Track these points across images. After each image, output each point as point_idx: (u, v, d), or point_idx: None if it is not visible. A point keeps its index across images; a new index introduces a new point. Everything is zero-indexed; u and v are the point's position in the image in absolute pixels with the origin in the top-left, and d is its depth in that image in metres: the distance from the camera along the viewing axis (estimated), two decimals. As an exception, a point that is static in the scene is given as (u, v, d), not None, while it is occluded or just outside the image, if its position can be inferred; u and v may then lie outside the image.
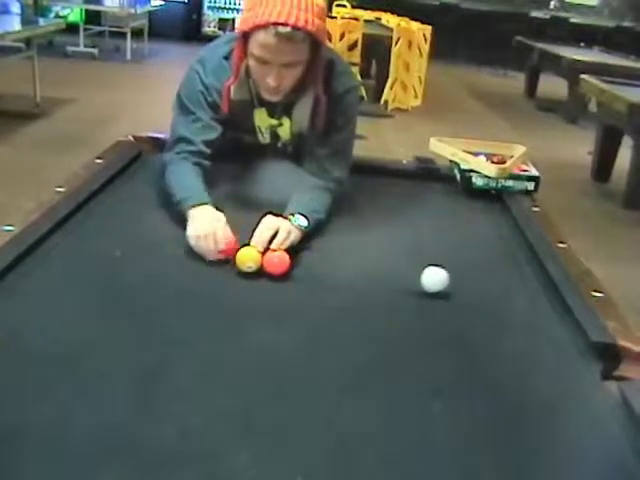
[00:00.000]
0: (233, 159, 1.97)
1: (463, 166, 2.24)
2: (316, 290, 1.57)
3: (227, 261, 1.59)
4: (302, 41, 1.69)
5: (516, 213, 2.05)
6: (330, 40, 6.83)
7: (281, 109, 1.94)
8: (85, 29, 9.75)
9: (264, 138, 2.02)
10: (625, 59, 8.62)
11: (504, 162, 2.22)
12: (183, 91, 1.91)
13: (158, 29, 10.92)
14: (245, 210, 1.83)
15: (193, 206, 1.70)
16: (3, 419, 1.05)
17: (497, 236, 1.96)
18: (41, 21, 7.06)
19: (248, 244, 1.60)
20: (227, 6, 12.01)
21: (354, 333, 1.41)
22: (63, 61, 8.96)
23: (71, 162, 2.35)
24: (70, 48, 9.36)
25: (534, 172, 2.24)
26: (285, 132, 2.00)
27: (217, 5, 12.04)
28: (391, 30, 8.24)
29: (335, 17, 7.75)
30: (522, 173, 2.23)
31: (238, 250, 1.58)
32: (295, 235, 1.68)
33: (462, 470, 1.06)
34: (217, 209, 1.70)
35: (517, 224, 1.98)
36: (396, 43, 7.98)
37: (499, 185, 2.19)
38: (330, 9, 8.47)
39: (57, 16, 9.86)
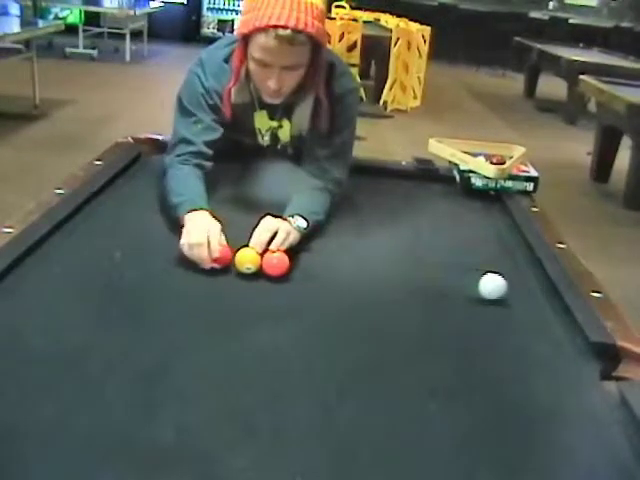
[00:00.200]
0: (233, 161, 1.97)
1: (462, 167, 2.24)
2: (315, 291, 1.57)
3: (222, 270, 1.58)
4: (302, 44, 1.69)
5: (515, 214, 2.05)
6: (329, 41, 6.83)
7: (281, 111, 1.94)
8: (84, 30, 9.77)
9: (264, 140, 2.02)
10: (624, 59, 8.62)
11: (503, 163, 2.22)
12: (184, 94, 1.91)
13: (157, 30, 10.93)
14: (244, 211, 1.83)
15: (188, 211, 1.68)
16: (3, 419, 1.05)
17: (496, 236, 1.96)
18: (40, 22, 7.06)
19: (247, 245, 1.60)
20: (226, 7, 12.01)
21: (353, 334, 1.41)
22: (62, 62, 8.97)
23: (70, 163, 2.34)
24: (69, 49, 9.37)
25: (533, 173, 2.25)
26: (285, 134, 2.00)
27: (216, 6, 12.04)
28: (390, 31, 8.25)
29: (334, 18, 7.77)
30: (521, 174, 2.23)
31: (232, 259, 1.57)
32: (294, 236, 1.68)
33: (461, 470, 1.06)
34: (214, 215, 1.67)
35: (516, 225, 1.98)
36: (395, 44, 7.99)
37: (498, 186, 2.19)
38: (329, 10, 8.47)
39: (56, 17, 9.87)
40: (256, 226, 1.64)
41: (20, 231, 1.57)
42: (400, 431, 1.13)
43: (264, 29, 1.66)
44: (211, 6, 12.06)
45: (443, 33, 9.77)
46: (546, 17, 13.27)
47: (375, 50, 8.16)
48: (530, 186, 2.21)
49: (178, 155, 1.86)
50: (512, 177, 2.20)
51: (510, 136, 6.99)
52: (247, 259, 1.57)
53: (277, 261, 1.58)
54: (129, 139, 2.29)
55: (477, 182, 2.20)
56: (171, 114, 1.95)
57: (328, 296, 1.54)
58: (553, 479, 1.10)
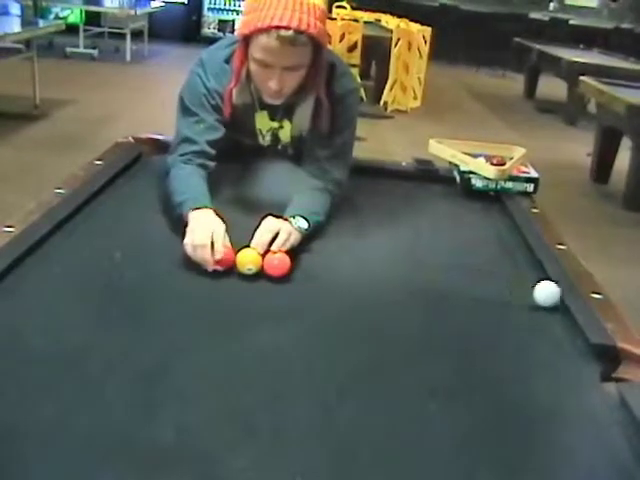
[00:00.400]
0: (233, 161, 1.96)
1: (462, 168, 2.24)
2: (315, 292, 1.57)
3: (224, 272, 1.57)
4: (304, 44, 1.69)
5: (515, 214, 2.05)
6: (330, 42, 6.83)
7: (282, 112, 1.94)
8: (85, 30, 9.77)
9: (265, 141, 2.03)
10: (624, 60, 8.63)
11: (503, 164, 2.22)
12: (185, 94, 1.91)
13: (158, 30, 10.93)
14: (245, 212, 1.83)
15: (193, 209, 1.67)
16: (3, 419, 1.05)
17: (496, 237, 1.96)
18: (41, 22, 7.06)
19: (248, 246, 1.60)
20: (227, 7, 12.01)
21: (354, 334, 1.41)
22: (63, 62, 8.97)
23: (71, 163, 2.34)
24: (70, 49, 9.37)
25: (534, 174, 2.25)
26: (285, 135, 2.00)
27: (217, 6, 12.04)
28: (391, 31, 8.25)
29: (335, 18, 7.77)
30: (521, 175, 2.23)
31: (234, 261, 1.57)
32: (295, 237, 1.68)
33: (461, 470, 1.06)
34: (218, 213, 1.67)
35: (516, 225, 1.98)
36: (396, 44, 7.99)
37: (498, 187, 2.19)
38: (330, 10, 8.47)
39: (57, 17, 9.88)
40: (257, 227, 1.64)
41: (20, 231, 1.57)
42: (400, 431, 1.14)
43: (266, 30, 1.66)
44: (212, 6, 12.05)
45: (443, 34, 9.77)
46: (546, 18, 13.27)
47: (376, 50, 8.16)
48: (530, 187, 2.21)
49: (181, 155, 1.85)
50: (512, 178, 2.20)
51: (510, 137, 7.00)
52: (248, 260, 1.57)
53: (278, 262, 1.58)
54: (130, 139, 2.29)
55: (477, 183, 2.20)
56: (172, 114, 1.95)
57: (328, 297, 1.54)
58: (553, 479, 1.10)
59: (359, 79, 6.28)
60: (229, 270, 1.57)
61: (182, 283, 1.54)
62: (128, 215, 1.85)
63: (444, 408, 1.20)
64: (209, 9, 12.07)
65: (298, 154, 2.01)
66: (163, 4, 11.16)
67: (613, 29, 13.06)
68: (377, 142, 6.16)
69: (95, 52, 9.55)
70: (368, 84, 8.20)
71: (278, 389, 1.20)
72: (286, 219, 1.70)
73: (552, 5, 13.86)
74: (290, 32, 1.64)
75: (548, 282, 1.56)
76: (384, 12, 9.46)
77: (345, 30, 7.63)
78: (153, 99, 7.02)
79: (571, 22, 13.15)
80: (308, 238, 1.74)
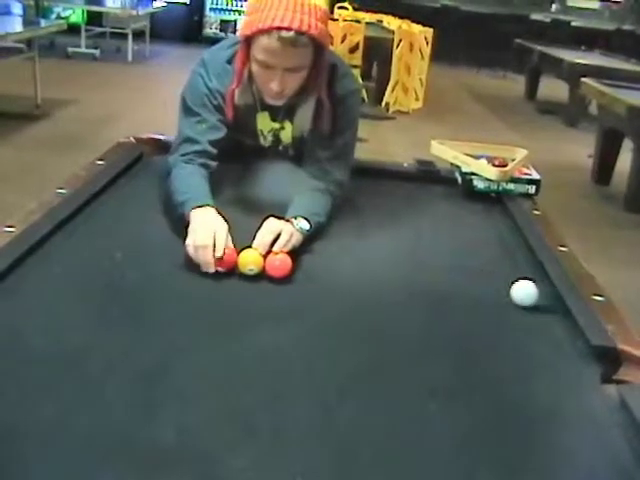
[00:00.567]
0: (234, 162, 1.96)
1: (464, 169, 2.24)
2: (316, 292, 1.57)
3: (226, 273, 1.57)
4: (305, 46, 1.69)
5: (517, 216, 2.05)
6: (332, 42, 6.82)
7: (283, 113, 1.94)
8: (86, 30, 9.77)
9: (266, 141, 2.02)
10: (626, 62, 8.63)
11: (505, 165, 2.22)
12: (187, 94, 1.91)
13: (159, 30, 10.94)
14: (247, 213, 1.83)
15: (194, 208, 1.67)
16: (3, 419, 1.05)
17: (497, 239, 1.96)
18: (42, 22, 7.07)
19: (250, 247, 1.60)
20: (229, 8, 12.02)
21: (354, 335, 1.41)
22: (64, 62, 8.97)
23: (72, 163, 2.35)
24: (71, 49, 9.38)
25: (535, 175, 2.25)
26: (287, 135, 2.00)
27: (219, 7, 12.04)
28: (392, 32, 8.25)
29: (337, 19, 7.76)
30: (523, 176, 2.23)
31: (236, 262, 1.57)
32: (297, 238, 1.68)
33: (461, 471, 1.06)
34: (220, 212, 1.67)
35: (518, 227, 1.98)
36: (397, 45, 7.99)
37: (500, 188, 2.19)
38: (332, 11, 8.47)
39: (58, 17, 9.90)
40: (259, 227, 1.64)
41: (21, 231, 1.57)
42: (400, 431, 1.13)
43: (267, 31, 1.66)
44: (214, 6, 12.06)
45: (445, 35, 9.77)
46: (548, 19, 13.27)
47: (377, 51, 8.15)
48: (532, 189, 2.21)
49: (182, 154, 1.85)
50: (514, 180, 2.20)
51: (511, 138, 7.00)
52: (250, 260, 1.57)
53: (280, 263, 1.58)
54: (131, 139, 2.29)
55: (479, 184, 2.20)
56: (173, 114, 1.96)
57: (329, 297, 1.54)
58: (553, 481, 1.10)
59: (360, 80, 6.28)
60: (230, 271, 1.57)
61: (183, 283, 1.54)
62: (129, 215, 1.85)
63: (444, 409, 1.20)
64: (211, 9, 12.08)
65: (299, 155, 2.01)
66: (165, 4, 11.17)
67: (614, 31, 13.05)
68: (378, 143, 6.16)
69: (97, 52, 9.55)
70: (370, 85, 8.20)
71: (278, 389, 1.20)
72: (288, 220, 1.70)
73: (554, 6, 13.86)
74: (291, 33, 1.64)
75: (525, 281, 1.56)
76: (386, 13, 9.45)
77: (347, 31, 7.63)
78: (154, 99, 7.02)
79: (573, 23, 13.14)
80: (309, 239, 1.74)
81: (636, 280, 3.97)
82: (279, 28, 1.64)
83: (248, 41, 1.74)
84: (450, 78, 11.24)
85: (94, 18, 10.11)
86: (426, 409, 1.20)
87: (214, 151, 1.87)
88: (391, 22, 8.91)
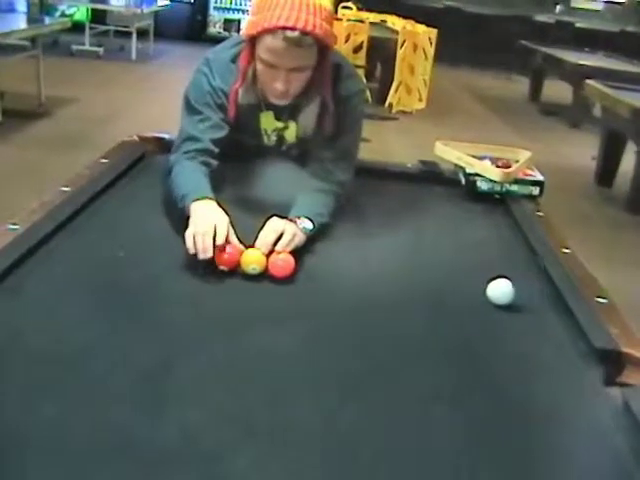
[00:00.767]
0: (237, 161, 1.96)
1: (468, 170, 2.24)
2: (319, 293, 1.56)
3: (228, 272, 1.56)
4: (310, 46, 1.69)
5: (520, 218, 2.05)
6: (335, 42, 6.82)
7: (288, 112, 1.94)
8: (90, 28, 9.76)
9: (270, 141, 2.02)
10: (629, 64, 8.61)
11: (509, 166, 2.22)
12: (191, 93, 1.91)
13: (163, 29, 10.94)
14: (249, 212, 1.82)
15: (195, 200, 1.67)
16: (5, 419, 1.05)
17: (500, 240, 1.96)
18: (47, 20, 7.08)
19: (253, 246, 1.60)
20: (233, 7, 12.01)
21: (356, 336, 1.41)
22: (68, 60, 8.97)
23: (75, 161, 2.35)
24: (75, 47, 9.38)
25: (539, 177, 2.24)
26: (291, 135, 2.00)
27: (223, 6, 12.04)
28: (396, 33, 8.25)
29: (341, 19, 7.76)
30: (527, 177, 2.23)
31: (238, 262, 1.57)
32: (300, 238, 1.67)
33: (463, 475, 1.06)
34: (221, 205, 1.67)
35: (521, 229, 1.98)
36: (401, 46, 7.98)
37: (504, 189, 2.19)
38: (336, 11, 8.46)
39: (63, 15, 9.89)
40: (262, 227, 1.64)
41: (24, 229, 1.57)
42: (402, 434, 1.13)
43: (272, 30, 1.65)
44: (218, 5, 12.05)
45: (448, 35, 9.75)
46: (552, 20, 13.26)
47: (381, 52, 8.16)
48: (536, 190, 2.21)
49: (184, 152, 1.85)
50: (518, 181, 2.20)
51: (514, 139, 6.99)
52: (253, 259, 1.57)
53: (283, 262, 1.58)
54: (135, 138, 2.29)
55: (483, 185, 2.19)
56: (176, 113, 1.95)
57: (331, 298, 1.54)
58: (556, 485, 1.10)
59: (364, 80, 6.28)
60: (233, 270, 1.57)
61: (186, 282, 1.54)
62: (132, 214, 1.85)
63: (446, 411, 1.20)
64: (215, 8, 12.07)
65: (302, 155, 2.01)
66: (169, 3, 11.17)
67: (618, 32, 13.04)
68: (382, 143, 6.15)
69: (100, 50, 9.55)
70: (373, 85, 8.20)
71: (280, 389, 1.20)
72: (291, 220, 1.70)
73: (558, 8, 13.85)
74: (296, 33, 1.64)
75: (501, 280, 1.56)
76: (389, 13, 9.45)
77: (351, 31, 7.63)
78: (158, 98, 7.03)
79: (576, 25, 13.14)
80: (312, 239, 1.74)
81: (639, 282, 3.96)
82: (284, 28, 1.64)
83: (253, 41, 1.74)
84: (453, 79, 11.23)
85: (98, 16, 10.11)
86: (427, 411, 1.20)
87: (216, 150, 1.87)
88: (395, 22, 8.90)
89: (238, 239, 1.61)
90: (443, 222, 2.08)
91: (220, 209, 1.66)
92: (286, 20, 1.64)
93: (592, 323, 1.44)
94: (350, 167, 1.96)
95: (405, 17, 8.85)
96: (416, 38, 8.14)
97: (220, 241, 1.55)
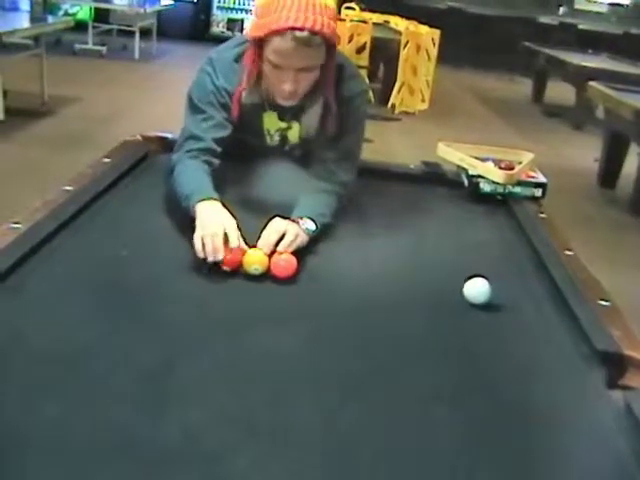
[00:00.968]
0: (239, 161, 1.96)
1: (471, 171, 2.24)
2: (320, 293, 1.56)
3: (231, 272, 1.56)
4: (319, 45, 1.69)
5: (522, 219, 2.05)
6: (339, 43, 6.82)
7: (291, 113, 1.94)
8: (94, 27, 9.78)
9: (272, 141, 2.02)
10: (633, 66, 8.60)
11: (512, 168, 2.22)
12: (194, 92, 1.91)
13: (166, 29, 10.96)
14: (251, 212, 1.82)
15: (200, 201, 1.66)
16: (6, 418, 1.05)
17: (503, 242, 1.96)
18: (50, 18, 7.07)
19: (255, 246, 1.59)
20: (236, 7, 12.02)
21: (357, 336, 1.41)
22: (71, 59, 8.98)
23: (77, 160, 2.35)
24: (78, 46, 9.39)
25: (542, 178, 2.24)
26: (294, 136, 2.00)
27: (226, 5, 12.05)
28: (399, 33, 8.24)
29: (344, 20, 7.75)
30: (529, 179, 2.22)
31: (241, 262, 1.57)
32: (302, 239, 1.67)
33: (462, 475, 1.06)
34: (225, 206, 1.67)
35: (523, 230, 1.98)
36: (404, 47, 7.98)
37: (506, 191, 2.19)
38: (339, 12, 8.46)
39: (66, 14, 9.91)
40: (264, 227, 1.64)
41: (26, 229, 1.57)
42: (402, 434, 1.13)
43: (281, 32, 1.65)
44: (221, 5, 12.07)
45: (451, 36, 9.75)
46: (555, 22, 13.25)
47: (384, 52, 8.15)
48: (539, 192, 2.21)
49: (187, 151, 1.85)
50: (520, 183, 2.20)
51: (517, 141, 6.98)
52: (255, 260, 1.57)
53: (285, 263, 1.58)
54: (138, 137, 2.29)
55: (485, 187, 2.19)
56: (179, 112, 1.95)
57: (333, 298, 1.54)
58: (557, 487, 1.09)
59: (367, 81, 6.28)
60: (235, 270, 1.56)
61: (187, 282, 1.54)
62: (134, 214, 1.85)
63: (446, 413, 1.20)
64: (218, 8, 12.09)
65: (305, 155, 2.01)
66: (172, 2, 11.17)
67: (622, 34, 13.03)
68: (384, 144, 6.15)
69: (103, 49, 9.56)
70: (376, 86, 8.20)
71: (281, 390, 1.20)
72: (293, 220, 1.69)
73: (561, 9, 13.84)
74: (305, 33, 1.64)
75: (478, 279, 1.56)
76: (392, 14, 9.44)
77: (354, 31, 7.64)
78: (161, 97, 7.03)
79: (580, 27, 13.13)
80: (314, 239, 1.73)
81: (641, 284, 3.96)
82: (293, 28, 1.64)
83: (259, 43, 1.73)
84: (456, 80, 11.22)
85: (101, 15, 10.13)
86: (428, 411, 1.20)
87: (218, 149, 1.87)
88: (398, 23, 8.89)
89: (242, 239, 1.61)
90: (445, 223, 2.08)
91: (226, 210, 1.65)
92: (295, 21, 1.64)
93: (594, 325, 1.44)
94: (353, 168, 1.96)
95: (408, 18, 8.84)
96: (419, 39, 8.14)
97: (234, 244, 1.55)
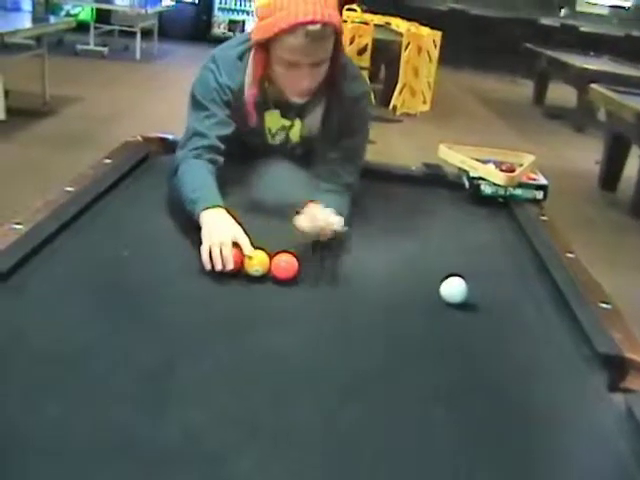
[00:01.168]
0: (240, 160, 1.96)
1: (472, 173, 2.24)
2: (321, 295, 1.56)
3: (232, 273, 1.56)
4: (330, 36, 1.70)
5: (524, 222, 2.05)
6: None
7: (295, 110, 1.93)
8: (95, 28, 9.78)
9: (274, 140, 2.02)
10: (634, 68, 8.59)
11: (513, 170, 2.22)
12: (197, 89, 1.90)
13: (168, 29, 10.96)
14: (252, 213, 1.82)
15: (205, 209, 1.66)
16: (6, 418, 1.05)
17: (504, 244, 1.96)
18: (52, 19, 7.09)
19: (257, 247, 1.59)
20: (237, 8, 12.03)
21: (358, 338, 1.41)
22: (73, 59, 8.98)
23: (79, 160, 2.35)
24: (80, 46, 9.39)
25: (543, 181, 2.24)
26: (295, 134, 1.99)
27: (227, 7, 12.06)
28: (401, 35, 8.24)
29: (345, 21, 7.75)
30: (531, 181, 2.22)
31: (242, 263, 1.56)
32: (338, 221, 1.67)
33: (463, 476, 1.06)
34: (229, 212, 1.66)
35: (525, 233, 1.98)
36: (406, 48, 7.98)
37: (508, 193, 2.18)
38: (340, 13, 8.45)
39: (68, 14, 9.93)
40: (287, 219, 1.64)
41: (27, 230, 1.57)
42: (403, 436, 1.13)
43: (292, 29, 1.64)
44: (222, 6, 12.07)
45: (453, 38, 9.74)
46: (557, 24, 13.25)
47: (385, 54, 8.15)
48: (540, 194, 2.20)
49: (191, 149, 1.84)
50: (522, 185, 2.20)
51: (518, 143, 6.98)
52: (256, 261, 1.56)
53: (286, 264, 1.58)
54: (139, 138, 2.29)
55: (487, 189, 2.19)
56: (180, 113, 1.95)
57: (334, 300, 1.54)
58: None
59: (369, 82, 6.28)
60: (236, 271, 1.56)
61: (188, 283, 1.54)
62: (135, 215, 1.85)
63: (447, 415, 1.20)
64: (219, 9, 12.09)
65: (307, 154, 2.01)
66: (174, 3, 11.19)
67: (623, 37, 13.03)
68: (385, 146, 6.15)
69: (105, 50, 9.56)
70: (377, 87, 8.19)
71: (282, 391, 1.20)
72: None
73: (562, 11, 13.84)
74: (318, 26, 1.64)
75: (454, 278, 1.56)
76: (394, 15, 9.44)
77: (355, 33, 7.63)
78: (162, 98, 7.03)
79: (581, 29, 13.12)
80: (315, 240, 1.73)
81: (642, 287, 3.96)
82: (304, 23, 1.63)
83: (265, 45, 1.73)
84: (458, 82, 11.22)
85: (103, 16, 10.14)
86: (428, 412, 1.20)
87: (222, 146, 1.86)
88: (399, 25, 8.89)
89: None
90: (446, 225, 2.08)
91: (231, 218, 1.64)
92: (304, 15, 1.63)
93: (595, 328, 1.44)
94: (357, 169, 1.96)
95: (409, 19, 8.84)
96: (420, 41, 8.13)
97: (248, 251, 1.55)
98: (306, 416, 1.15)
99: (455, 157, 2.34)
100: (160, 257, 1.63)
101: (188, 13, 11.82)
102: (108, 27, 10.28)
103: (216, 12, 12.09)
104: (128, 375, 1.19)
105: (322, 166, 1.93)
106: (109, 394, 1.14)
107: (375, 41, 7.83)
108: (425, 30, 8.38)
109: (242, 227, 1.62)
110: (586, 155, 6.74)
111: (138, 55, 9.62)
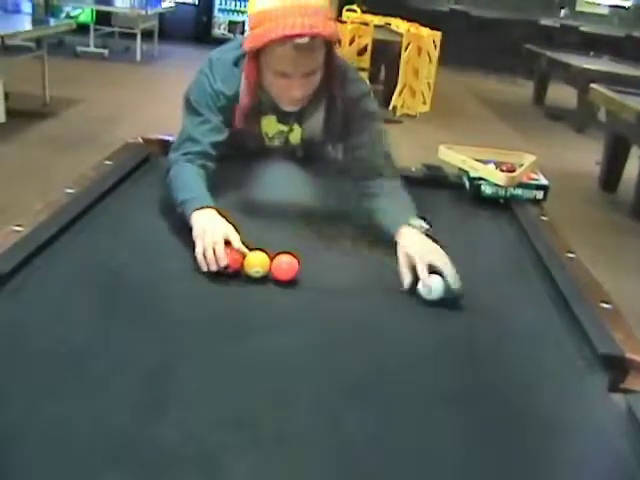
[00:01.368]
0: (238, 164, 1.95)
1: (472, 174, 2.24)
2: (322, 296, 1.56)
3: (232, 274, 1.56)
4: (320, 47, 1.69)
5: (524, 222, 2.04)
6: (340, 45, 6.82)
7: (293, 116, 1.93)
8: (95, 29, 9.80)
9: (271, 143, 2.01)
10: (635, 68, 8.59)
11: (513, 170, 2.22)
12: (192, 94, 1.90)
13: (168, 31, 10.98)
14: (252, 214, 1.82)
15: (195, 210, 1.65)
16: (6, 419, 1.05)
17: (505, 245, 1.95)
18: (52, 21, 7.10)
19: (256, 249, 1.59)
20: (237, 9, 12.04)
21: (358, 339, 1.40)
22: (73, 61, 9.00)
23: (79, 161, 2.35)
24: (80, 48, 9.41)
25: (543, 181, 2.24)
26: (295, 138, 1.99)
27: (227, 8, 12.07)
28: (401, 35, 8.24)
29: (345, 22, 7.76)
30: (531, 182, 2.22)
31: (242, 264, 1.56)
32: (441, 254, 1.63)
33: (465, 478, 1.06)
34: (220, 212, 1.66)
35: (525, 233, 1.97)
36: (406, 49, 7.98)
37: (508, 193, 2.18)
38: (340, 14, 8.47)
39: (68, 16, 9.93)
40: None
41: (29, 231, 1.57)
42: (405, 440, 1.13)
43: (280, 40, 1.64)
44: (222, 7, 12.09)
45: (453, 39, 9.76)
46: (557, 24, 13.26)
47: (385, 54, 8.16)
48: (540, 194, 2.20)
49: (183, 154, 1.84)
50: (522, 185, 2.19)
51: (518, 143, 6.98)
52: (257, 262, 1.56)
53: (286, 265, 1.57)
54: (139, 139, 2.29)
55: (487, 190, 2.19)
56: (180, 115, 1.95)
57: (335, 301, 1.54)
58: (559, 491, 1.09)
59: (368, 83, 6.28)
60: (236, 272, 1.56)
61: (188, 285, 1.53)
62: (135, 216, 1.85)
63: (448, 416, 1.20)
64: (219, 10, 12.11)
65: (308, 156, 2.01)
66: (174, 4, 11.19)
67: (624, 37, 13.04)
68: (385, 146, 6.14)
69: (105, 52, 9.58)
70: (377, 88, 8.20)
71: (282, 393, 1.20)
72: (398, 231, 1.70)
73: (563, 12, 13.84)
74: (305, 39, 1.63)
75: (434, 276, 1.56)
76: (394, 16, 9.45)
77: (355, 33, 7.65)
78: (162, 99, 7.02)
79: (582, 29, 13.13)
80: (314, 241, 1.73)
81: (643, 287, 3.96)
82: (291, 36, 1.63)
83: (257, 53, 1.73)
84: (458, 82, 11.23)
85: (103, 18, 10.14)
86: (430, 415, 1.20)
87: (214, 153, 1.86)
88: (399, 25, 8.90)
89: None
90: (447, 226, 2.07)
91: (222, 217, 1.63)
92: (292, 28, 1.62)
93: (596, 328, 1.44)
94: (395, 167, 1.96)
95: (409, 20, 8.84)
96: (420, 41, 8.14)
97: (238, 246, 1.55)
98: (307, 418, 1.15)
99: (455, 157, 2.34)
100: (160, 258, 1.63)
101: (188, 14, 11.85)
102: (108, 29, 10.30)
103: (216, 13, 12.10)
104: (128, 375, 1.19)
105: (356, 171, 1.91)
106: (109, 394, 1.13)
107: (375, 42, 7.85)
108: (425, 31, 8.39)
109: (234, 226, 1.61)
110: (586, 156, 6.75)
111: (138, 56, 9.64)
